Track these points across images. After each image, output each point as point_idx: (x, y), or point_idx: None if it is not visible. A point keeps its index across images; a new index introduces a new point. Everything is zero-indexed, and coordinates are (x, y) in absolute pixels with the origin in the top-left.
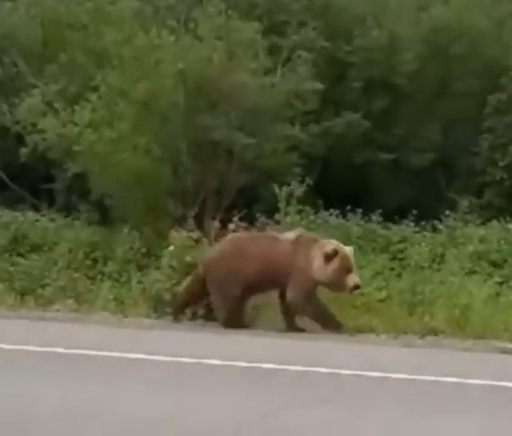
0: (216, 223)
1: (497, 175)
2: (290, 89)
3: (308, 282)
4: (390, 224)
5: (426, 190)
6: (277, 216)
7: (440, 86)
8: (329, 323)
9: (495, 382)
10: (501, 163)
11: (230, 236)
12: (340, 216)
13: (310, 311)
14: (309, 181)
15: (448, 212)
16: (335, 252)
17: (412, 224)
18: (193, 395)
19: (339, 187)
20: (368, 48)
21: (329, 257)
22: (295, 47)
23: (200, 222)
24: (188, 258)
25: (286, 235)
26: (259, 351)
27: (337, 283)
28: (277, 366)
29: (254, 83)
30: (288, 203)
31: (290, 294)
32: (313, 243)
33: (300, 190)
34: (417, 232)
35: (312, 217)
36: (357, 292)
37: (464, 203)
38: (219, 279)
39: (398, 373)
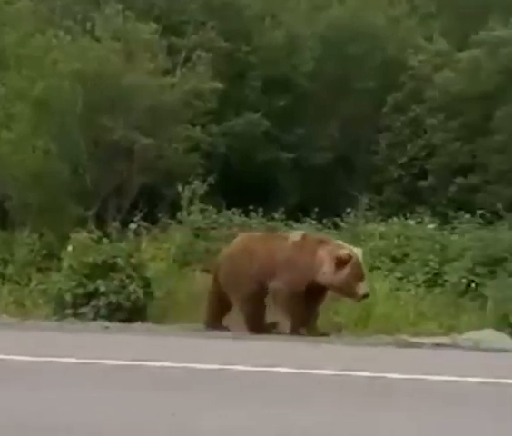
0: (117, 223)
1: (396, 173)
2: (190, 89)
3: (299, 283)
4: (292, 222)
5: (327, 188)
6: (179, 216)
7: (339, 85)
8: (300, 322)
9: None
10: (400, 161)
11: (240, 236)
12: (243, 215)
13: (291, 308)
14: (211, 180)
15: (349, 209)
16: (349, 258)
17: (314, 222)
18: (88, 396)
19: (242, 186)
20: (266, 48)
21: (342, 262)
22: (194, 47)
23: (101, 223)
24: (89, 259)
25: (291, 236)
26: (165, 351)
27: (347, 290)
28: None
29: (153, 83)
30: (190, 203)
31: (276, 283)
32: (320, 244)
33: (202, 189)
34: (319, 230)
35: (215, 216)
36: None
37: (364, 200)
38: (232, 278)
39: (288, 368)
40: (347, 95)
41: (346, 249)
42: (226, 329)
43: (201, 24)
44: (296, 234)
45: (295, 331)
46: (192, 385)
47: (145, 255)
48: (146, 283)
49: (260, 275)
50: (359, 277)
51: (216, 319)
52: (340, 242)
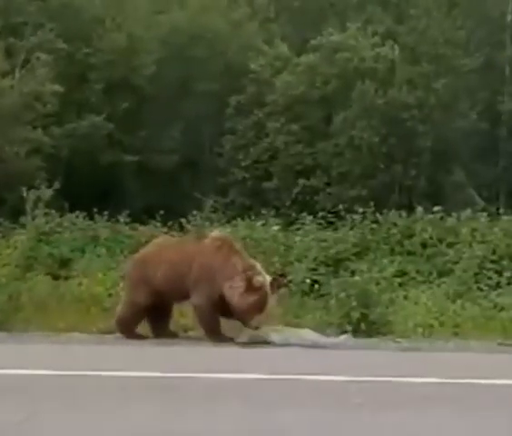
0: None
1: (240, 175)
2: (30, 91)
3: (217, 290)
4: (138, 225)
5: (172, 190)
6: (23, 220)
7: (181, 88)
8: (218, 336)
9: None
10: (243, 163)
11: (155, 241)
12: (88, 218)
13: (209, 320)
14: (56, 184)
15: (195, 211)
16: (260, 288)
17: (159, 225)
18: None
19: (86, 189)
20: (107, 50)
21: (252, 289)
22: (33, 49)
23: None
24: None
25: (206, 239)
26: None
27: (242, 316)
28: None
29: None
30: (35, 207)
31: (195, 299)
32: (235, 254)
33: (47, 193)
34: (165, 233)
35: (59, 220)
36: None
37: (209, 202)
38: (129, 283)
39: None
40: (189, 98)
41: (260, 275)
42: (174, 335)
43: (39, 25)
44: (215, 234)
45: (215, 338)
46: (38, 391)
47: None
48: None
49: (166, 285)
50: (260, 309)
51: (160, 326)
52: (255, 262)
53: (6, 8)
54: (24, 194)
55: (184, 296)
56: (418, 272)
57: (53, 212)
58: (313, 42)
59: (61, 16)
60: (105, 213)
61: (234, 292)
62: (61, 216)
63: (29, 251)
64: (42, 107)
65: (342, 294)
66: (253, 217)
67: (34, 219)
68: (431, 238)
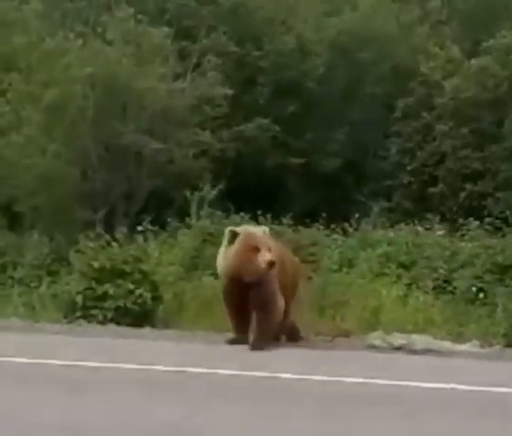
0: (124, 228)
1: (405, 179)
2: (200, 94)
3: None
4: (301, 228)
5: (336, 193)
6: (188, 220)
7: (349, 90)
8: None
9: (398, 382)
10: (409, 167)
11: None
12: (252, 220)
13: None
14: (220, 186)
15: (357, 214)
16: (233, 234)
17: (322, 227)
18: (104, 399)
19: (251, 191)
20: (277, 52)
21: (230, 241)
22: (205, 52)
23: (109, 226)
24: (98, 263)
25: None
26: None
27: (246, 265)
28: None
29: (164, 87)
30: (199, 207)
31: None
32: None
33: (211, 194)
34: (327, 236)
35: (224, 221)
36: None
37: (376, 207)
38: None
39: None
40: (356, 101)
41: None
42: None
43: (212, 28)
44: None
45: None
46: (198, 388)
47: (153, 260)
48: (154, 288)
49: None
50: (253, 248)
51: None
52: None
53: (180, 12)
54: (189, 195)
55: None
56: None
57: (218, 213)
58: (485, 44)
59: (232, 20)
60: (269, 214)
61: (226, 260)
62: (226, 217)
63: (194, 251)
64: (211, 110)
65: (510, 304)
66: (417, 222)
67: (198, 219)
68: None
